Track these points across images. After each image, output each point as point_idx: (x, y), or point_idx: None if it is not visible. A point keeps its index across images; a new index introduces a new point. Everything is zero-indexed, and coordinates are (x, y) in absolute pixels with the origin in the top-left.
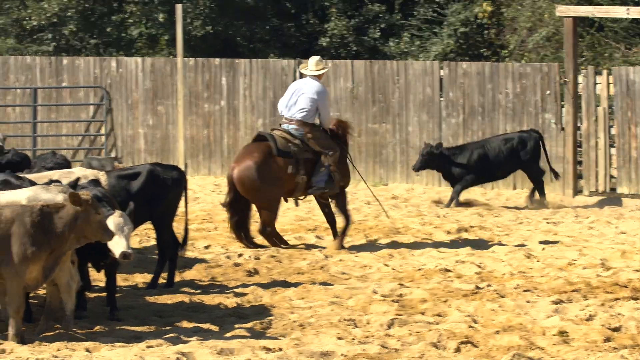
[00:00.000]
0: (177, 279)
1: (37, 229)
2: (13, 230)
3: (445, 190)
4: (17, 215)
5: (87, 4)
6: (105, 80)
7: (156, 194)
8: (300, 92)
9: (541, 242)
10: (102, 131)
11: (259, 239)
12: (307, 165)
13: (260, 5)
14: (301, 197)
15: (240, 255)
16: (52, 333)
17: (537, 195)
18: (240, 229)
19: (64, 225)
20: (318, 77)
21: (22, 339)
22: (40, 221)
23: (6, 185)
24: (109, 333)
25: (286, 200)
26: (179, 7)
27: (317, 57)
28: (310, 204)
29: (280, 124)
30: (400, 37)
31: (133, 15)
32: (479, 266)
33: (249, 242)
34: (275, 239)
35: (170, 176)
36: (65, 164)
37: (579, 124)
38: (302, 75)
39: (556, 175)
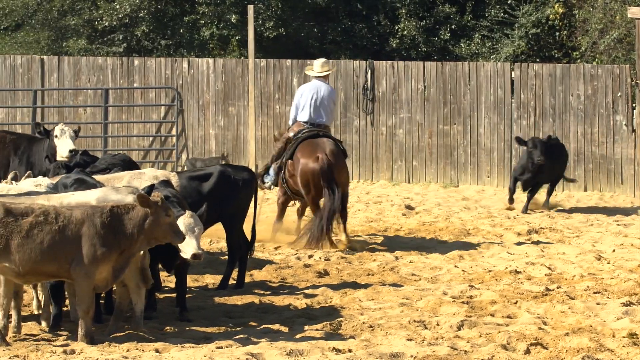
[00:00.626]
0: (247, 279)
1: (107, 229)
2: (83, 231)
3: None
4: (88, 215)
5: (159, 5)
6: (176, 81)
7: (226, 195)
8: (320, 96)
9: (611, 244)
10: (173, 132)
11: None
12: None
13: (331, 7)
14: None
15: (310, 256)
16: (121, 334)
17: None
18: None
19: (133, 227)
20: (324, 78)
21: (92, 340)
22: (110, 222)
23: (82, 185)
24: (178, 334)
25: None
26: (250, 8)
27: (322, 60)
28: (380, 205)
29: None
30: (471, 39)
31: (205, 16)
32: (549, 268)
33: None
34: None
35: (240, 177)
36: (123, 164)
37: None
38: (307, 78)
39: None
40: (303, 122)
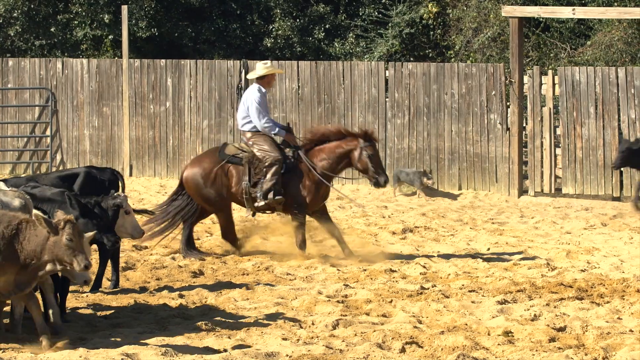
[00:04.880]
0: (121, 280)
1: (9, 242)
2: None
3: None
4: None
5: (32, 4)
6: (50, 81)
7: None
8: (243, 102)
9: (486, 243)
10: (48, 133)
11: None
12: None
13: (205, 6)
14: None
15: (185, 256)
16: None
17: None
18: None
19: (37, 245)
20: (264, 81)
21: None
22: (15, 235)
23: None
24: (53, 335)
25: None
26: (124, 8)
27: (264, 62)
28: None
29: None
30: (345, 38)
31: (78, 16)
32: (424, 267)
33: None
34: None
35: (106, 178)
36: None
37: (524, 124)
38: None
39: None
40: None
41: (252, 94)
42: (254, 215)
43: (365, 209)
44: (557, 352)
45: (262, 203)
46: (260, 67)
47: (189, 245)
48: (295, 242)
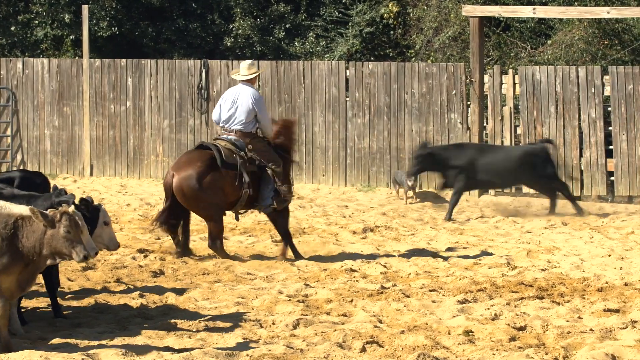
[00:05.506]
0: (81, 280)
1: (10, 241)
2: None
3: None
4: None
5: None
6: (11, 81)
7: None
8: (238, 101)
9: (447, 242)
10: (8, 132)
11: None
12: (252, 178)
13: (165, 6)
14: (242, 212)
15: (145, 256)
16: None
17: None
18: (176, 232)
19: (35, 240)
20: (250, 82)
21: (10, 348)
22: (14, 233)
23: None
24: (13, 335)
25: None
26: (85, 8)
27: (248, 62)
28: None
29: (219, 135)
30: (306, 38)
31: (39, 16)
32: (385, 266)
33: (184, 250)
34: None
35: (40, 181)
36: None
37: (485, 124)
38: (234, 82)
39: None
40: (220, 126)
41: (254, 97)
42: (238, 218)
43: (325, 208)
44: (517, 351)
45: (271, 207)
46: (246, 68)
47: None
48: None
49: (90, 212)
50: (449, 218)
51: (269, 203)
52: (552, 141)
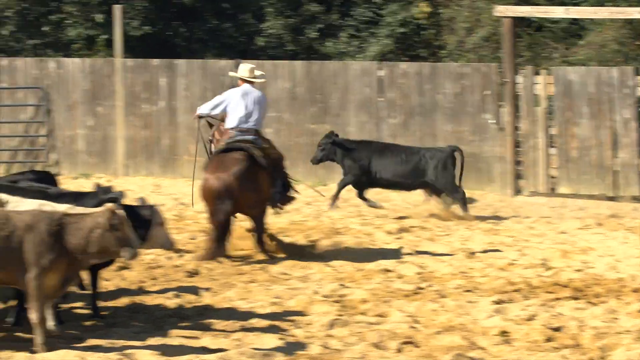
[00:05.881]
0: (117, 280)
1: (55, 238)
2: (29, 238)
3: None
4: (36, 222)
5: (25, 4)
6: (44, 81)
7: None
8: (256, 101)
9: (482, 243)
10: (42, 132)
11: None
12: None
13: (198, 6)
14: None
15: (181, 256)
16: None
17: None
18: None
19: (81, 237)
20: (253, 85)
21: (50, 347)
22: (59, 230)
23: None
24: (49, 334)
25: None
26: (117, 8)
27: (250, 65)
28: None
29: (233, 135)
30: (338, 37)
31: (71, 16)
32: (420, 266)
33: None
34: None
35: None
36: None
37: (518, 124)
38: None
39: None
40: (230, 128)
41: (265, 98)
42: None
43: (360, 208)
44: (553, 351)
45: (278, 205)
46: (249, 70)
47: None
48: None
49: (145, 212)
50: (332, 204)
51: (277, 198)
52: (460, 149)
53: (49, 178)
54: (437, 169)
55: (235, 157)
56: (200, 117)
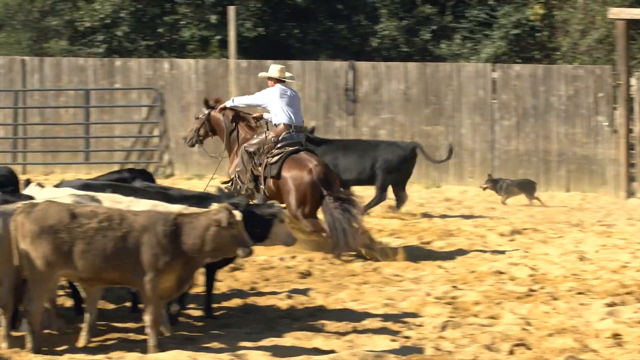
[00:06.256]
0: (229, 281)
1: (170, 238)
2: (145, 239)
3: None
4: (151, 223)
5: (139, 5)
6: (158, 81)
7: None
8: (296, 99)
9: (594, 245)
10: (155, 133)
11: None
12: None
13: (312, 7)
14: None
15: (293, 257)
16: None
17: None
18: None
19: (196, 237)
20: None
21: (161, 349)
22: (174, 231)
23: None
24: (161, 335)
25: None
26: (231, 9)
27: (280, 65)
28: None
29: (290, 131)
30: (452, 39)
31: (185, 17)
32: (532, 268)
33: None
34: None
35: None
36: (10, 177)
37: (631, 127)
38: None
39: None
40: (284, 124)
41: (299, 97)
42: None
43: (472, 210)
44: None
45: None
46: (279, 70)
47: None
48: None
49: (268, 210)
50: None
51: None
52: (420, 145)
53: (147, 176)
54: (385, 164)
55: (313, 156)
56: (225, 108)
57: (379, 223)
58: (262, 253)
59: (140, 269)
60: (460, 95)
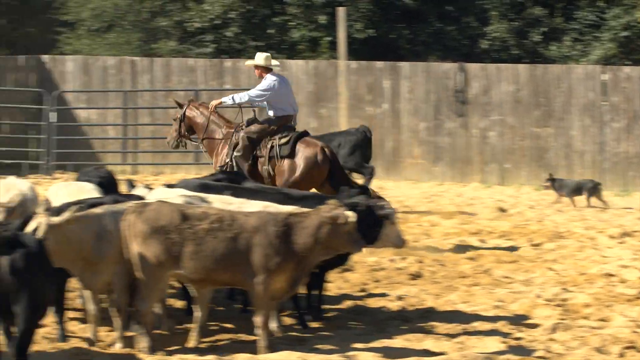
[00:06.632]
0: (340, 282)
1: (281, 239)
2: (257, 240)
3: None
4: (262, 224)
5: (249, 6)
6: None
7: None
8: (289, 86)
9: None
10: None
11: None
12: None
13: (422, 8)
14: None
15: (403, 258)
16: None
17: None
18: None
19: (308, 236)
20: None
21: (273, 349)
22: (285, 231)
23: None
24: (271, 336)
25: None
26: (341, 10)
27: (266, 54)
28: (472, 208)
29: (291, 122)
30: (561, 41)
31: (295, 18)
32: None
33: None
34: None
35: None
36: (109, 179)
37: None
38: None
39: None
40: (290, 115)
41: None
42: None
43: (583, 212)
44: None
45: None
46: (265, 58)
47: None
48: None
49: (379, 211)
50: None
51: None
52: (368, 128)
53: (240, 178)
54: (348, 151)
55: (320, 140)
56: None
57: (489, 225)
58: (372, 254)
59: (252, 270)
60: (570, 97)
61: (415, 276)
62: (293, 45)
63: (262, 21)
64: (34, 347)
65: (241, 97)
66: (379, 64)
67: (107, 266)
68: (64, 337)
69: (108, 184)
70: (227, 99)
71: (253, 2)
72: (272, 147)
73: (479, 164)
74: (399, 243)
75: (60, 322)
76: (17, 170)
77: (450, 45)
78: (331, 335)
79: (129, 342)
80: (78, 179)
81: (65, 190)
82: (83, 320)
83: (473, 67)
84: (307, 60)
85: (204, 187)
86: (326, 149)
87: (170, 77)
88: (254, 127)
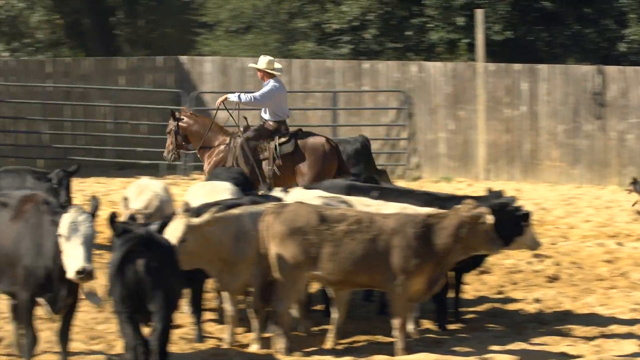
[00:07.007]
0: (477, 284)
1: (420, 240)
2: (395, 242)
3: None
4: (401, 226)
5: (387, 7)
6: (405, 84)
7: None
8: (285, 92)
9: None
10: (403, 135)
11: None
12: None
13: (560, 11)
14: None
15: (541, 261)
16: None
17: None
18: None
19: (447, 236)
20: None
21: (411, 351)
22: (424, 233)
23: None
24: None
25: None
26: (479, 12)
27: (269, 57)
28: (610, 210)
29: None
30: None
31: (433, 20)
32: None
33: None
34: None
35: None
36: (242, 179)
37: None
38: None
39: None
40: (281, 120)
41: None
42: None
43: None
44: None
45: None
46: (267, 62)
47: None
48: None
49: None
50: None
51: None
52: (367, 137)
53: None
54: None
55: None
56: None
57: (627, 228)
58: (510, 256)
59: (390, 272)
60: None
61: (553, 279)
62: (431, 47)
63: (400, 23)
64: (172, 348)
65: (247, 97)
66: (517, 66)
67: (245, 267)
68: (202, 337)
69: (240, 184)
70: (233, 96)
71: (391, 3)
72: (273, 147)
73: (617, 166)
74: (534, 246)
75: (198, 322)
76: (154, 171)
77: (589, 47)
78: (468, 338)
79: (266, 343)
80: (208, 179)
81: (202, 190)
82: (220, 321)
83: (611, 70)
84: (445, 62)
85: (351, 188)
86: (330, 141)
87: (308, 79)
88: (250, 133)
